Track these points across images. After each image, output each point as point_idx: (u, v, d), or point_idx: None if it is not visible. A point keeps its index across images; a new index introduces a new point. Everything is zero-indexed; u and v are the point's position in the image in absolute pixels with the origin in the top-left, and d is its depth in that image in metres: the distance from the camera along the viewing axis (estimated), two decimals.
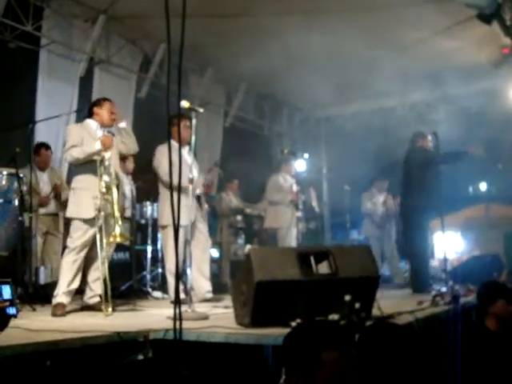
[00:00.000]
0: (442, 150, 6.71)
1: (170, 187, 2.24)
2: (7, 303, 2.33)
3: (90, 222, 5.15)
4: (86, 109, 5.79)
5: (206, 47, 9.21)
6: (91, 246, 5.27)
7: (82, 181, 5.28)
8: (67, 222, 5.61)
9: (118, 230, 4.98)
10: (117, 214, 5.06)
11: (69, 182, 6.29)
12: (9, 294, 2.35)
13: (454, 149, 7.22)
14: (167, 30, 2.12)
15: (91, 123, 5.48)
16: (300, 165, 8.96)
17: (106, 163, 5.25)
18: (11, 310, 2.34)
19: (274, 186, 8.91)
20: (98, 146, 5.24)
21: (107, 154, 5.28)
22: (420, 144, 7.59)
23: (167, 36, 2.12)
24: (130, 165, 7.70)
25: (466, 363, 3.68)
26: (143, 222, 7.93)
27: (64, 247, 6.57)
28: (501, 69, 8.33)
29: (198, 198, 6.29)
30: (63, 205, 6.51)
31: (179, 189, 2.53)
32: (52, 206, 7.09)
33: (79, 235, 5.16)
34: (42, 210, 6.94)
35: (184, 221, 4.83)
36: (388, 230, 9.93)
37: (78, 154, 5.22)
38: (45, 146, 7.19)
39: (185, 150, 6.09)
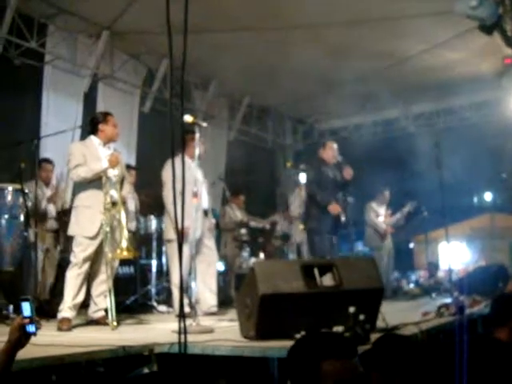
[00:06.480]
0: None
1: (174, 202, 2.23)
2: (27, 320, 2.35)
3: (91, 237, 5.19)
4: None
5: (209, 61, 9.24)
6: (95, 260, 5.29)
7: (84, 199, 5.30)
8: (70, 238, 5.62)
9: (124, 244, 5.01)
10: (124, 229, 5.08)
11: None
12: (28, 312, 2.37)
13: None
14: (169, 45, 2.14)
15: (94, 140, 5.47)
16: (304, 177, 8.99)
17: (114, 179, 5.30)
18: (31, 328, 2.36)
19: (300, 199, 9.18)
20: (105, 164, 5.26)
21: (115, 171, 5.32)
22: (321, 155, 7.72)
23: (169, 52, 2.14)
24: (131, 178, 7.71)
25: (474, 375, 3.65)
26: (148, 235, 7.91)
27: (59, 263, 6.70)
28: (503, 79, 8.34)
29: (205, 213, 6.29)
30: (65, 223, 6.48)
31: (183, 202, 2.43)
32: (53, 223, 7.11)
33: (81, 250, 5.18)
34: (47, 225, 6.96)
35: (189, 236, 4.84)
36: (390, 241, 9.93)
37: (85, 173, 5.23)
38: (46, 160, 7.21)
39: (193, 164, 6.10)
